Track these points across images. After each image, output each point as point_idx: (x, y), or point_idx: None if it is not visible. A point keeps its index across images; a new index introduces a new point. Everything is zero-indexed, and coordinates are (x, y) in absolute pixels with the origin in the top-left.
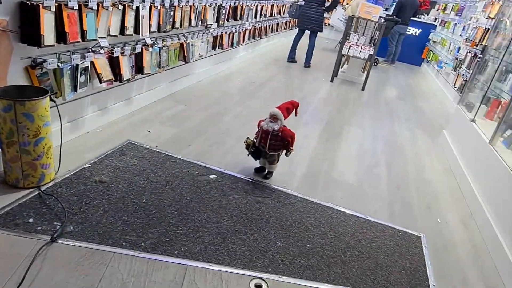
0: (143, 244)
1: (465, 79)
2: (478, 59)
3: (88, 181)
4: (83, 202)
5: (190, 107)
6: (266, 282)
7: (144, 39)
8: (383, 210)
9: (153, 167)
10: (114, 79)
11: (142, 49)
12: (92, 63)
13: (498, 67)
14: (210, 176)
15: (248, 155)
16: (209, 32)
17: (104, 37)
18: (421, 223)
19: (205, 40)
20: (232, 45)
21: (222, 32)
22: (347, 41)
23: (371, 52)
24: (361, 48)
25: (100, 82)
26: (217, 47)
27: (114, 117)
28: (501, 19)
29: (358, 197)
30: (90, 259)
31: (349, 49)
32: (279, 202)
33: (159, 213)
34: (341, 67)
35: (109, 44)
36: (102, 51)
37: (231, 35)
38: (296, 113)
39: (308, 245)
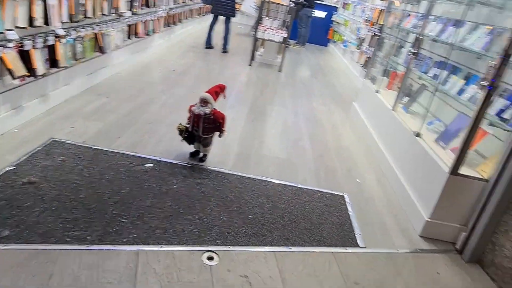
0: (89, 237)
1: (368, 56)
2: (377, 38)
3: (15, 184)
4: (14, 206)
5: (113, 99)
6: (216, 254)
7: (55, 30)
8: (311, 177)
9: (85, 162)
10: (28, 74)
11: (54, 41)
12: (0, 58)
13: (394, 43)
14: (146, 165)
15: (182, 140)
16: (123, 20)
17: (12, 30)
18: (343, 184)
19: (120, 29)
20: (147, 34)
21: (136, 21)
22: (261, 25)
23: (285, 35)
24: (275, 32)
25: (13, 78)
26: (132, 36)
27: (31, 115)
28: (392, 0)
29: (288, 169)
30: (35, 260)
31: (264, 33)
32: (218, 182)
33: (100, 206)
34: (257, 51)
35: (18, 37)
36: (10, 44)
37: (145, 23)
38: (224, 95)
39: (250, 216)
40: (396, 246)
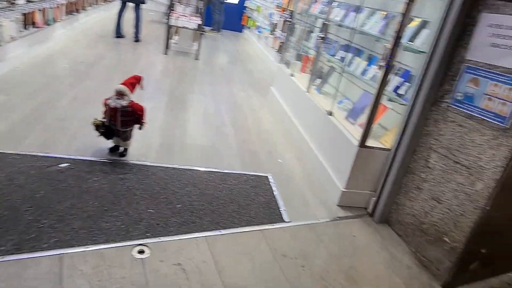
0: (3, 248)
1: (281, 41)
2: (288, 23)
3: None
4: None
5: (13, 97)
6: (147, 246)
7: None
8: (235, 162)
9: None
10: None
11: None
12: None
13: (304, 29)
14: (61, 165)
15: (99, 136)
16: (16, 9)
17: None
18: (266, 165)
19: (13, 18)
20: (47, 23)
21: (32, 9)
22: (173, 12)
23: (200, 22)
24: (189, 18)
25: None
26: (30, 26)
27: None
28: None
29: (212, 155)
30: None
31: (177, 20)
32: (142, 175)
33: (11, 213)
34: (172, 39)
35: None
36: None
37: (44, 11)
38: (141, 86)
39: (178, 205)
40: (317, 217)
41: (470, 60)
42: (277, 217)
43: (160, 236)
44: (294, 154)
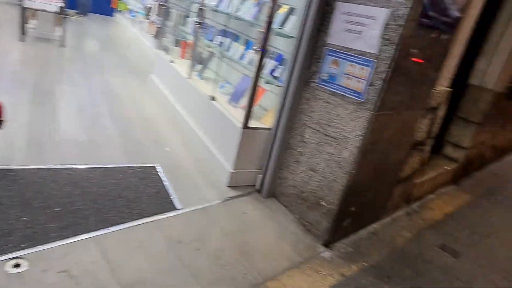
0: None
1: (158, 26)
2: (163, 7)
3: None
4: None
5: None
6: (24, 258)
7: None
8: (118, 155)
9: None
10: None
11: None
12: None
13: (180, 13)
14: None
15: None
16: None
17: None
18: (153, 155)
19: None
20: None
21: None
22: None
23: (61, 4)
24: (49, 0)
25: None
26: None
27: None
28: None
29: (91, 150)
30: None
31: (33, 1)
32: (8, 181)
33: None
34: (28, 23)
35: None
36: None
37: None
38: None
39: (57, 208)
40: (209, 200)
41: (330, 44)
42: (169, 206)
43: (39, 245)
44: (180, 141)
